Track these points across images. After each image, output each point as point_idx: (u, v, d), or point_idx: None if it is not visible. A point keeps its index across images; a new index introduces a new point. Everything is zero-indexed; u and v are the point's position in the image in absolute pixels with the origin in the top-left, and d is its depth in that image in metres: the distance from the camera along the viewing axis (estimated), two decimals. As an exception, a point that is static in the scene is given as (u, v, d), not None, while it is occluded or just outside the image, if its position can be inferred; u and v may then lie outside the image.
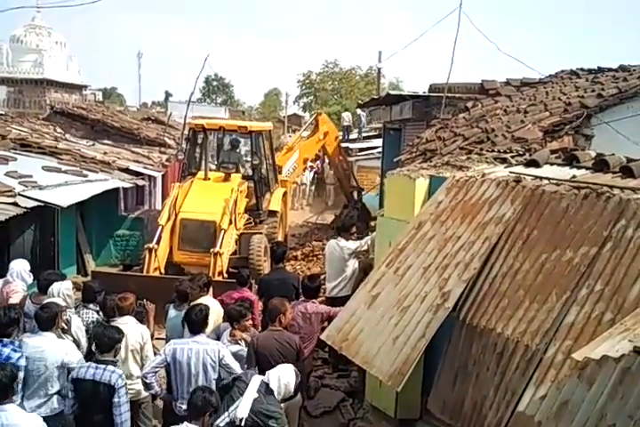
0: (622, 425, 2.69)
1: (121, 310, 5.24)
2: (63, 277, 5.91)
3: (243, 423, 3.83)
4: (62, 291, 5.41)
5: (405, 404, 5.14)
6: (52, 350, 4.58)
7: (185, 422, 3.87)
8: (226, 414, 3.93)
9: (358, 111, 24.35)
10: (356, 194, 14.73)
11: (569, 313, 3.53)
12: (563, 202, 4.10)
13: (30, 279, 6.23)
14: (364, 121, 24.68)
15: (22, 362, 4.43)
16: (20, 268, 6.19)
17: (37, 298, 5.61)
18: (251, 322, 5.41)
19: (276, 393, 3.99)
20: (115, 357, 4.52)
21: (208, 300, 5.72)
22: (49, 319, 4.71)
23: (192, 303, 5.37)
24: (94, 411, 4.29)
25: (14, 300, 5.76)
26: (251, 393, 3.95)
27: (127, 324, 5.05)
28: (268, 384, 4.03)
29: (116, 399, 4.24)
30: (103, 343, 4.42)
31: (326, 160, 17.80)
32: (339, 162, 14.75)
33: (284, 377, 4.06)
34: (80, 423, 4.46)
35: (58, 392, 4.59)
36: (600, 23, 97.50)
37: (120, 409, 4.27)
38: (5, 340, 4.50)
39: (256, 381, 4.06)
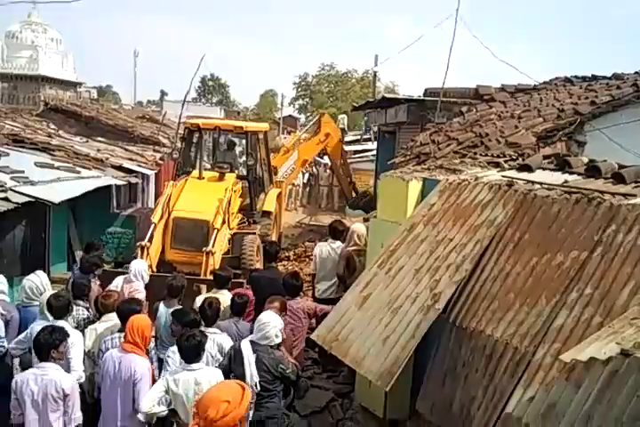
0: (608, 428, 2.72)
1: (105, 307, 5.26)
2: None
3: (259, 387, 4.29)
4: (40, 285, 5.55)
5: (394, 404, 5.16)
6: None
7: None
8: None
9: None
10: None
11: (558, 316, 3.56)
12: (554, 206, 4.14)
13: (147, 279, 6.53)
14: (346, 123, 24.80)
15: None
16: (140, 268, 6.51)
17: None
18: None
19: (274, 343, 4.45)
20: None
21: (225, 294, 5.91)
22: (63, 307, 4.93)
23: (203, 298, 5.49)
24: None
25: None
26: (249, 358, 4.35)
27: (113, 321, 5.08)
28: (256, 342, 4.44)
29: None
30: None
31: (321, 161, 17.82)
32: (340, 165, 14.66)
33: (267, 325, 4.45)
34: None
35: None
36: (596, 33, 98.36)
37: None
38: None
39: (246, 345, 4.45)
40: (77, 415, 4.25)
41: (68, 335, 4.37)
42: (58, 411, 4.17)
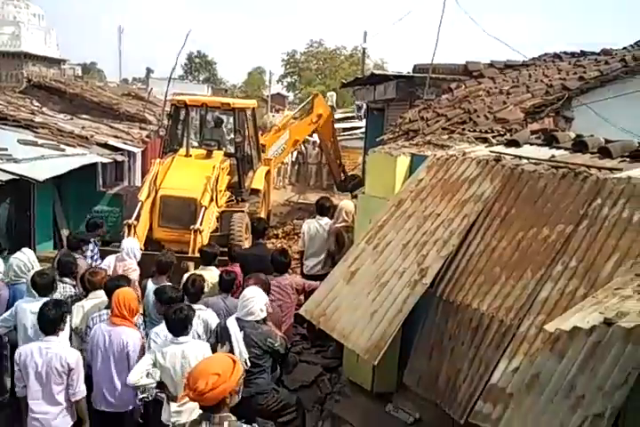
0: (591, 396, 2.76)
1: (92, 284, 5.24)
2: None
3: (249, 363, 4.31)
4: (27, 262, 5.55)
5: (382, 378, 5.22)
6: None
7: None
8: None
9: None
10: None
11: (543, 289, 3.59)
12: (541, 181, 4.15)
13: (140, 257, 6.50)
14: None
15: None
16: (132, 246, 6.51)
17: None
18: None
19: (259, 318, 4.49)
20: None
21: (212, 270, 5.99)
22: (47, 285, 4.89)
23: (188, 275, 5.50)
24: None
25: (133, 277, 5.93)
26: (236, 335, 4.37)
27: (100, 298, 5.07)
28: (241, 318, 4.49)
29: None
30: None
31: (309, 139, 17.70)
32: (331, 146, 14.57)
33: (251, 300, 4.49)
34: None
35: None
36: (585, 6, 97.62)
37: None
38: None
39: (232, 322, 4.47)
40: (81, 389, 4.28)
41: (70, 306, 4.45)
42: (61, 384, 4.19)
